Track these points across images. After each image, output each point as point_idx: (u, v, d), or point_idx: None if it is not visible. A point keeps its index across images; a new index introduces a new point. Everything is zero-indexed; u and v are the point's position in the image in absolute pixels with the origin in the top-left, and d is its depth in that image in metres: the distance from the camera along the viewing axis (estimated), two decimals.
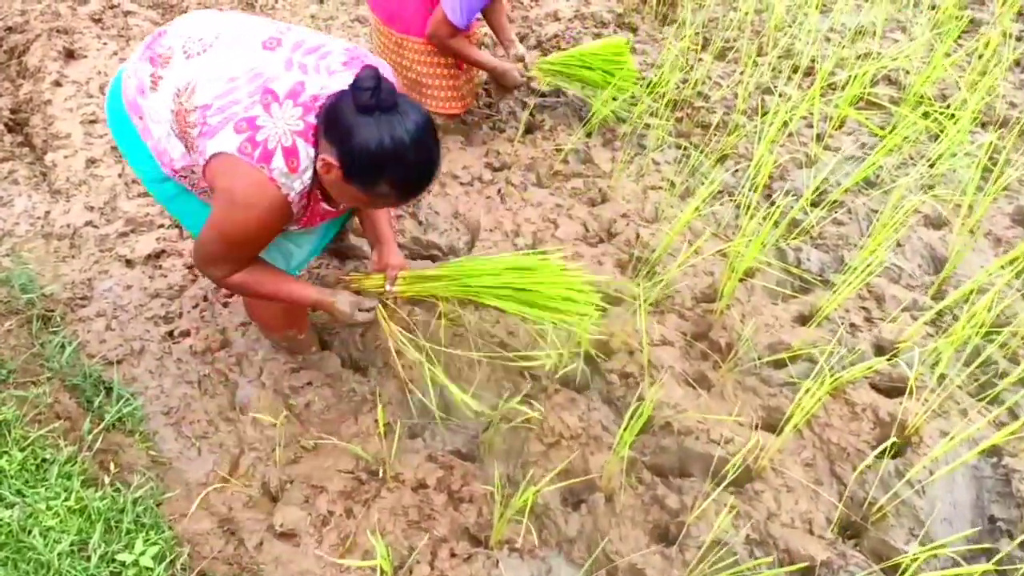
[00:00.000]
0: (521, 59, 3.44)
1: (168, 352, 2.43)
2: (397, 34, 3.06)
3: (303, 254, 2.13)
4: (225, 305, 2.63)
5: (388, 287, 2.05)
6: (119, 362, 2.37)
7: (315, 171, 1.67)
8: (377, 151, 1.53)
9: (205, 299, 2.63)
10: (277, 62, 1.67)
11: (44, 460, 1.82)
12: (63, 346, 2.33)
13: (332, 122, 1.58)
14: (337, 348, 2.54)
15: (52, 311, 2.50)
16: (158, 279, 2.70)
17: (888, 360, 2.36)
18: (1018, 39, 4.54)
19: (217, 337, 2.49)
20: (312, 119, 1.63)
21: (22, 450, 1.80)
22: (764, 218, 3.15)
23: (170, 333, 2.50)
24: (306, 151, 1.63)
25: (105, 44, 4.10)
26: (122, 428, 2.12)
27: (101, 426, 2.01)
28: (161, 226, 2.94)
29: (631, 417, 1.99)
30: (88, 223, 2.93)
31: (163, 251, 2.82)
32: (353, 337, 2.54)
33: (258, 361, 2.42)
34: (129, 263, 2.76)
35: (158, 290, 2.65)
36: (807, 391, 2.09)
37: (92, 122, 3.48)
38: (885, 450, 2.07)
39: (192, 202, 1.95)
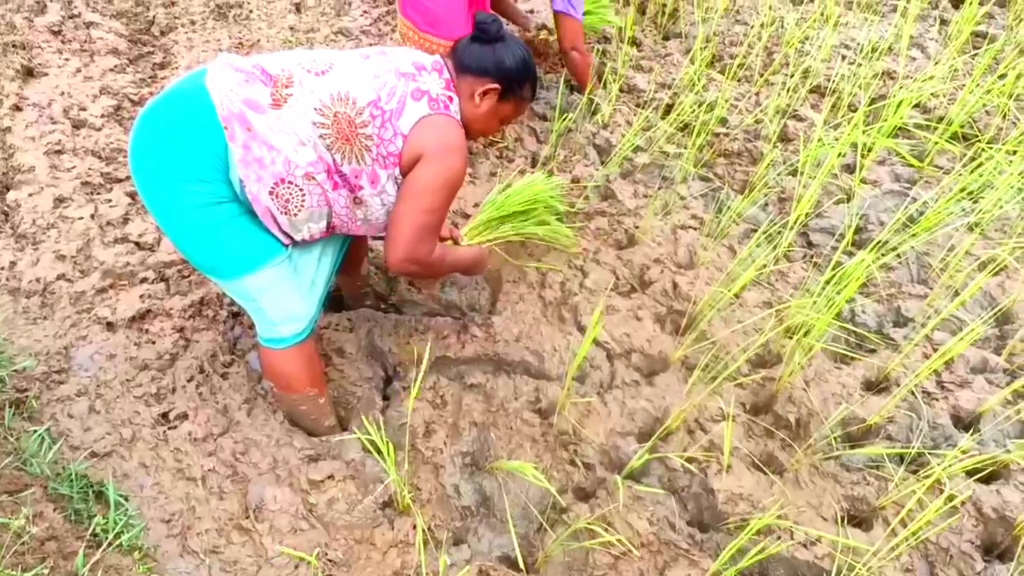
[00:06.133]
0: (543, 27, 4.15)
1: (163, 439, 2.11)
2: (437, 39, 3.07)
3: (323, 285, 2.15)
4: (224, 376, 2.33)
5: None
6: (107, 454, 2.05)
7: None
8: (523, 63, 1.98)
9: (201, 370, 2.31)
10: (383, 60, 1.92)
11: None
12: (44, 439, 2.00)
13: (475, 61, 1.95)
14: (355, 427, 2.25)
15: (26, 392, 2.16)
16: (145, 346, 2.37)
17: (976, 440, 2.15)
18: None
19: (219, 419, 2.18)
20: (446, 76, 1.95)
21: None
22: (806, 260, 2.94)
23: (164, 415, 2.18)
24: (456, 100, 1.96)
25: (67, 60, 3.72)
26: (118, 545, 1.81)
27: (98, 554, 1.70)
28: (144, 280, 2.60)
29: (733, 552, 1.74)
30: (61, 276, 2.58)
31: (148, 311, 2.49)
32: (373, 414, 2.26)
33: (270, 448, 2.11)
34: (110, 326, 2.43)
35: (146, 360, 2.33)
36: (897, 484, 1.86)
37: (58, 152, 3.13)
38: (991, 550, 1.86)
39: (243, 228, 1.86)
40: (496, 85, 1.96)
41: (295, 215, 1.87)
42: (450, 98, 1.94)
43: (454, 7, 3.06)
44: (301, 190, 1.83)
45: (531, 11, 4.44)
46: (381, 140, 1.84)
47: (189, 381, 2.28)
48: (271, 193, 1.81)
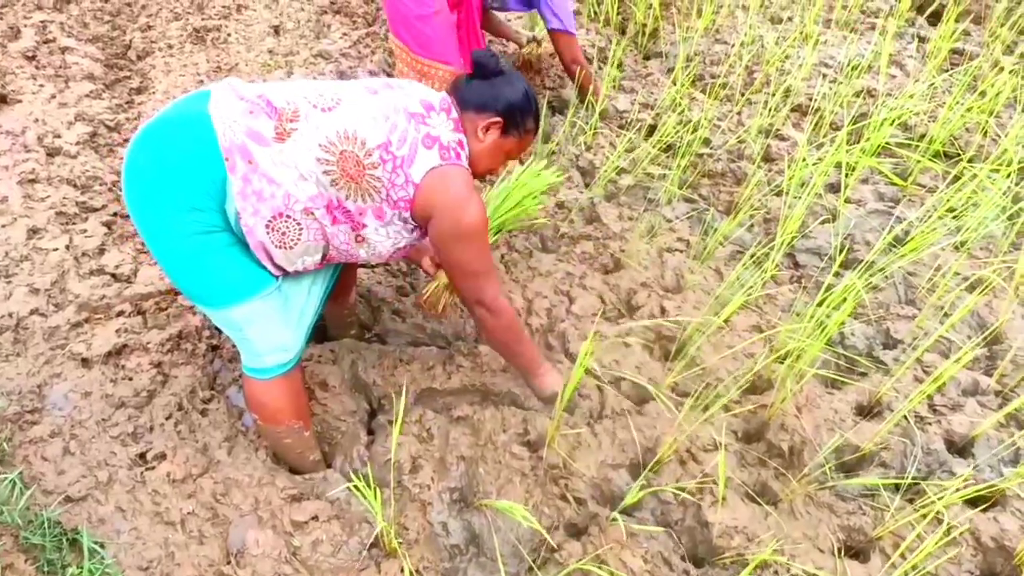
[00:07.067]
0: (533, 40, 4.14)
1: (141, 481, 2.04)
2: (429, 61, 3.17)
3: (312, 315, 2.10)
4: (203, 413, 2.26)
5: None
6: (83, 499, 1.98)
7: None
8: (524, 95, 1.99)
9: (180, 407, 2.25)
10: (391, 96, 1.89)
11: None
12: (15, 484, 1.93)
13: (477, 97, 1.96)
14: (339, 465, 2.19)
15: None
16: (121, 383, 2.30)
17: (971, 467, 2.13)
18: (1011, 72, 4.44)
19: (199, 459, 2.11)
20: (455, 115, 1.94)
21: None
22: (793, 282, 2.93)
23: (142, 456, 2.12)
24: (466, 144, 1.96)
25: (42, 86, 3.66)
26: None
27: None
28: (120, 314, 2.54)
29: None
30: (34, 311, 2.51)
31: (125, 346, 2.42)
32: (357, 450, 2.20)
33: (251, 488, 2.05)
34: (86, 362, 2.36)
35: (123, 398, 2.26)
36: (894, 514, 1.83)
37: (32, 181, 3.05)
38: None
39: (233, 258, 1.83)
40: (499, 119, 1.96)
41: (291, 248, 1.85)
42: (460, 143, 1.94)
43: (443, 28, 3.10)
44: (299, 224, 1.82)
45: (517, 31, 4.42)
46: (393, 184, 1.84)
47: (167, 419, 2.22)
48: (267, 227, 1.79)
